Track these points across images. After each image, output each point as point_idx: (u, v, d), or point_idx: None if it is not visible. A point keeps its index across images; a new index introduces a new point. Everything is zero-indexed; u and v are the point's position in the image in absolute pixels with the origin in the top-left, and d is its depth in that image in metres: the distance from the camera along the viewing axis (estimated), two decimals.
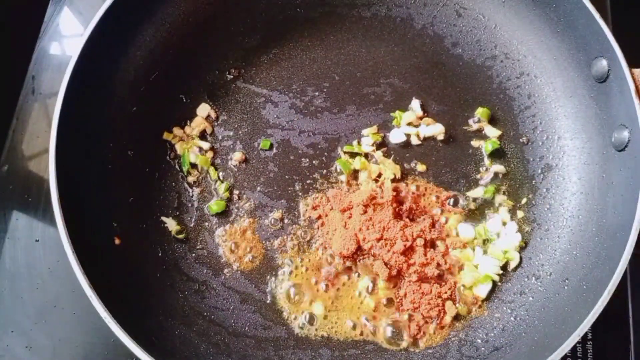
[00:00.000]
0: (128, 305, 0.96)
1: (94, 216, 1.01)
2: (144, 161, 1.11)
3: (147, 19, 1.13)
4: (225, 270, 1.06)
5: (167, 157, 1.13)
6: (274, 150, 1.14)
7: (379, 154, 1.12)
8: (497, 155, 1.12)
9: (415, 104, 1.15)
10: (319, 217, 1.08)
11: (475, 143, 1.13)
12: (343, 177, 1.10)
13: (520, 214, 1.07)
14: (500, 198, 1.08)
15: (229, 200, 1.10)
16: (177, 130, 1.14)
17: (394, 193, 1.05)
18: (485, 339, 0.99)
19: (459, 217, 1.07)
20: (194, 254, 1.07)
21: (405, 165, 1.12)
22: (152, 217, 1.08)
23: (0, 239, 1.14)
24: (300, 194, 1.10)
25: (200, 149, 1.13)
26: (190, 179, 1.11)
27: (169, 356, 0.94)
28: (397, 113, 1.14)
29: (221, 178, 1.12)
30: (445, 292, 1.01)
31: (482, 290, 1.02)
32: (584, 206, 1.03)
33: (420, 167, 1.11)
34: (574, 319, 0.88)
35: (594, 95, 1.03)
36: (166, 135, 1.13)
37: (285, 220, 1.09)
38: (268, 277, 1.05)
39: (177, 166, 1.12)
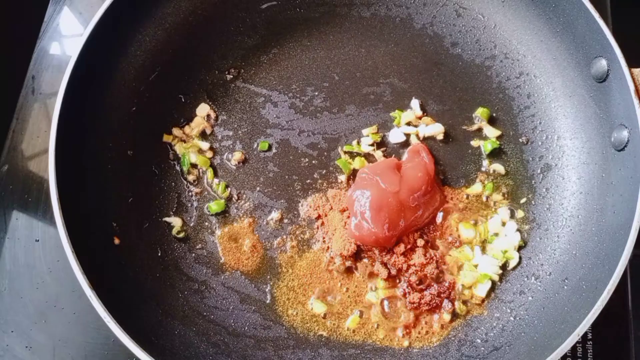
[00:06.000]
0: (128, 305, 0.96)
1: (94, 216, 1.01)
2: (144, 161, 1.11)
3: (147, 19, 1.13)
4: (225, 270, 1.06)
5: (167, 157, 1.13)
6: (274, 150, 1.14)
7: (378, 154, 1.12)
8: (496, 155, 1.12)
9: (415, 103, 1.15)
10: (319, 217, 1.08)
11: (474, 143, 1.13)
12: (343, 177, 1.11)
13: (519, 213, 1.07)
14: (499, 198, 1.08)
15: (229, 200, 1.10)
16: (176, 131, 1.14)
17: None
18: (485, 338, 0.99)
19: (459, 217, 1.07)
20: (193, 254, 1.07)
21: None
22: (152, 217, 1.08)
23: (0, 239, 1.14)
24: (299, 194, 1.10)
25: (200, 149, 1.13)
26: (190, 178, 1.11)
27: (169, 356, 0.94)
28: (397, 113, 1.14)
29: (219, 179, 1.12)
30: (445, 292, 1.01)
31: (482, 290, 1.02)
32: (584, 206, 1.03)
33: None
34: (574, 319, 0.88)
35: (593, 95, 1.03)
36: (166, 137, 1.13)
37: (285, 220, 1.09)
38: (268, 276, 1.05)
39: (177, 166, 1.12)
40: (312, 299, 1.03)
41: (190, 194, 1.11)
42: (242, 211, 1.10)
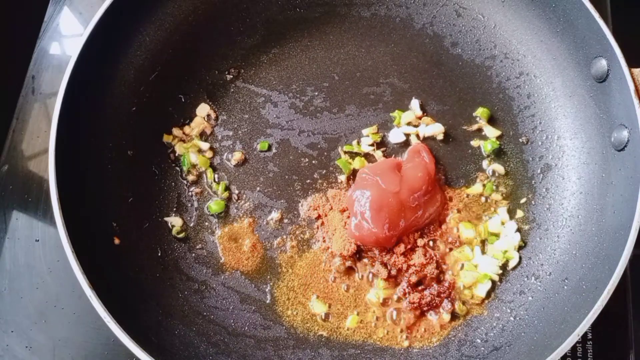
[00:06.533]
0: (128, 305, 0.96)
1: (94, 216, 1.01)
2: (144, 161, 1.11)
3: (147, 19, 1.13)
4: (225, 270, 1.06)
5: (167, 157, 1.13)
6: (274, 150, 1.14)
7: (378, 154, 1.12)
8: (496, 155, 1.12)
9: (415, 103, 1.15)
10: (319, 217, 1.08)
11: (474, 143, 1.13)
12: (343, 177, 1.11)
13: (519, 213, 1.07)
14: (499, 198, 1.08)
15: (229, 200, 1.10)
16: (176, 131, 1.14)
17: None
18: (485, 338, 0.99)
19: (459, 217, 1.07)
20: (193, 254, 1.07)
21: None
22: (152, 217, 1.08)
23: (0, 239, 1.14)
24: (299, 193, 1.10)
25: (200, 149, 1.13)
26: (190, 178, 1.11)
27: (169, 356, 0.94)
28: (397, 113, 1.14)
29: (219, 179, 1.12)
30: (445, 292, 1.01)
31: (482, 290, 1.02)
32: (584, 206, 1.03)
33: None
34: (574, 319, 0.88)
35: (593, 95, 1.03)
36: (166, 138, 1.13)
37: (285, 220, 1.09)
38: (268, 276, 1.05)
39: (177, 166, 1.12)
40: (312, 299, 1.03)
41: (190, 194, 1.11)
42: (242, 211, 1.10)
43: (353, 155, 1.12)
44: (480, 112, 1.13)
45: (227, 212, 1.10)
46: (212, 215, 1.09)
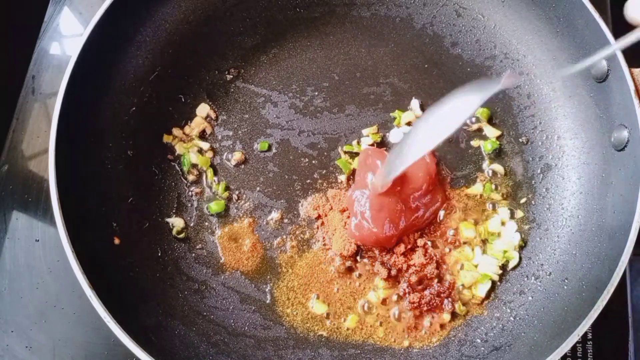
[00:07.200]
0: (128, 305, 0.96)
1: (94, 216, 1.01)
2: (144, 161, 1.11)
3: (147, 19, 1.13)
4: (225, 270, 1.06)
5: (167, 157, 1.13)
6: (274, 150, 1.14)
7: None
8: (496, 155, 1.12)
9: (415, 103, 1.15)
10: (319, 217, 1.08)
11: (474, 143, 1.13)
12: (343, 177, 1.11)
13: (519, 213, 1.07)
14: (499, 198, 1.08)
15: (229, 200, 1.10)
16: (176, 131, 1.14)
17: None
18: (485, 338, 0.99)
19: (459, 217, 1.07)
20: (193, 254, 1.07)
21: None
22: (152, 217, 1.08)
23: (0, 239, 1.14)
24: (299, 193, 1.10)
25: (200, 149, 1.13)
26: (190, 178, 1.11)
27: (169, 356, 0.94)
28: (397, 113, 1.14)
29: (219, 179, 1.12)
30: (445, 292, 1.01)
31: (482, 290, 1.02)
32: (584, 206, 1.03)
33: None
34: (574, 319, 0.88)
35: (593, 95, 1.03)
36: (166, 138, 1.13)
37: (285, 220, 1.09)
38: (268, 276, 1.05)
39: (177, 166, 1.12)
40: (312, 299, 1.03)
41: (190, 194, 1.11)
42: (242, 211, 1.10)
43: (353, 155, 1.12)
44: (480, 112, 1.13)
45: (227, 212, 1.10)
46: (212, 215, 1.09)
